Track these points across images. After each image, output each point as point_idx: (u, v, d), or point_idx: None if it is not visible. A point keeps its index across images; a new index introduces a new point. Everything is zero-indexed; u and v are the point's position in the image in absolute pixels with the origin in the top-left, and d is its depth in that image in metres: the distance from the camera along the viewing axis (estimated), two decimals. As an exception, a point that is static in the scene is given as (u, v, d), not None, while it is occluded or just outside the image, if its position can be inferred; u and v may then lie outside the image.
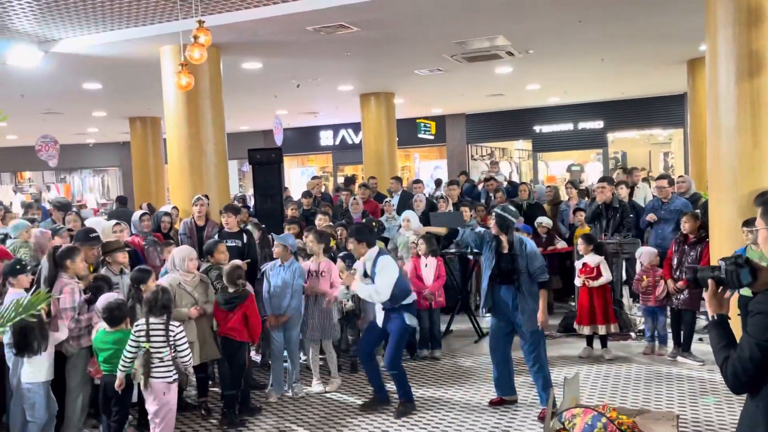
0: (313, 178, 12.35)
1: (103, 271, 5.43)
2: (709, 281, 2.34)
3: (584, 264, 6.62)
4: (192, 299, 5.25)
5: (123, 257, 5.55)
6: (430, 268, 6.81)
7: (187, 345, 4.49)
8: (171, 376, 4.38)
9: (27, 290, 4.67)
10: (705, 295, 2.38)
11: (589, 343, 6.69)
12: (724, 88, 6.03)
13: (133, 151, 16.09)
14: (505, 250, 5.12)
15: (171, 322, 4.44)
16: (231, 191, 11.76)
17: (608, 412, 3.34)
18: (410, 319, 5.26)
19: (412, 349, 6.94)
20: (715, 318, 2.32)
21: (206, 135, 8.41)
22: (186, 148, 8.39)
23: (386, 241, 7.87)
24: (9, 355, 4.60)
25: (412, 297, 5.38)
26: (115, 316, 4.49)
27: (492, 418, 5.16)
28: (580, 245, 6.72)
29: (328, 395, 5.88)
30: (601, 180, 8.23)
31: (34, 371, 4.51)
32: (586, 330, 6.57)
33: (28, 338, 4.32)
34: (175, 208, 8.17)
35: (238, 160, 20.36)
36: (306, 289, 5.89)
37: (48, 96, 12.10)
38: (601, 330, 6.49)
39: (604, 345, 6.59)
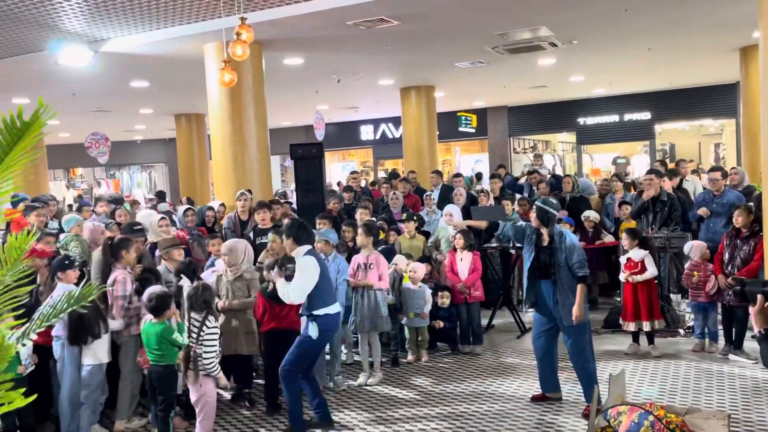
0: (352, 173, 12.39)
1: (160, 268, 5.57)
2: (759, 296, 2.25)
3: (629, 259, 6.47)
4: (231, 291, 5.44)
5: (179, 254, 5.67)
6: (465, 262, 6.77)
7: (214, 348, 4.47)
8: (206, 370, 4.45)
9: (75, 284, 4.84)
10: (751, 309, 2.28)
11: (635, 340, 6.53)
12: (779, 75, 5.79)
13: (179, 148, 16.46)
14: (545, 243, 5.03)
15: (208, 319, 4.50)
16: (273, 186, 11.91)
17: (656, 410, 3.26)
18: (313, 330, 4.78)
19: (453, 344, 6.92)
20: (763, 332, 2.23)
21: (249, 131, 8.53)
22: (229, 144, 8.53)
23: (427, 235, 7.84)
24: (56, 347, 4.80)
25: (334, 308, 4.91)
26: (158, 306, 4.61)
27: (535, 413, 5.10)
28: (625, 240, 6.56)
29: (369, 388, 5.91)
30: (649, 172, 7.99)
31: (94, 354, 4.80)
32: (630, 326, 6.42)
33: (86, 325, 4.65)
34: (222, 204, 8.32)
35: (280, 155, 20.60)
36: (352, 282, 5.94)
37: (98, 94, 12.47)
38: (646, 326, 6.33)
39: (651, 342, 6.43)
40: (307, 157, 9.29)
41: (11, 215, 5.93)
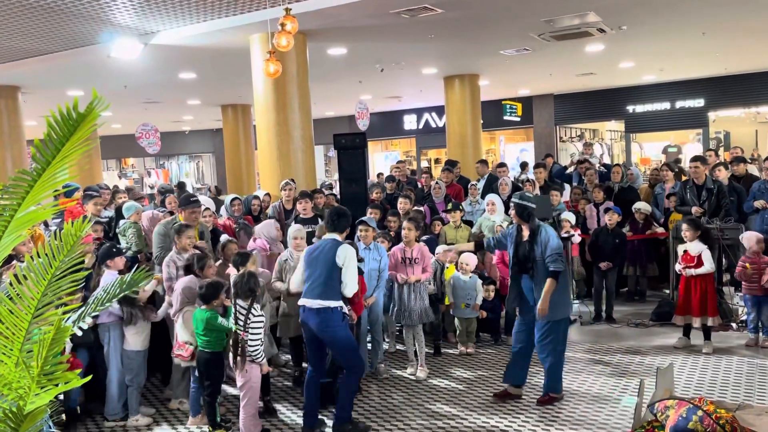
0: (398, 162, 12.39)
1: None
2: None
3: (686, 251, 6.24)
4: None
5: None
6: (512, 254, 6.70)
7: (259, 335, 4.54)
8: (252, 356, 4.53)
9: (121, 272, 5.02)
10: None
11: (686, 333, 6.35)
12: (844, 59, 5.51)
13: (225, 138, 16.75)
14: (525, 239, 4.98)
15: (253, 307, 4.57)
16: (317, 176, 12.02)
17: (705, 405, 3.17)
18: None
19: (496, 334, 6.89)
20: None
21: (293, 121, 8.62)
22: (274, 134, 8.64)
23: (471, 224, 7.79)
24: (102, 332, 5.03)
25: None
26: (207, 294, 4.72)
27: (567, 405, 5.03)
28: (686, 231, 6.27)
29: (410, 377, 5.93)
30: (694, 159, 7.73)
31: (135, 341, 5.06)
32: (679, 320, 6.25)
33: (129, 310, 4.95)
34: (267, 194, 8.45)
35: (324, 145, 20.76)
36: (400, 278, 5.97)
37: (148, 86, 12.80)
38: (695, 323, 6.13)
39: (707, 337, 6.21)
40: (350, 147, 9.33)
41: (66, 204, 6.16)
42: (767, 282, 5.98)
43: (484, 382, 5.72)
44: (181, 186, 12.69)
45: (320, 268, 4.63)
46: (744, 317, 6.64)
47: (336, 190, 11.59)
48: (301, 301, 4.71)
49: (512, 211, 5.06)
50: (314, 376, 4.76)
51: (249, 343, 4.52)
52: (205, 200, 7.84)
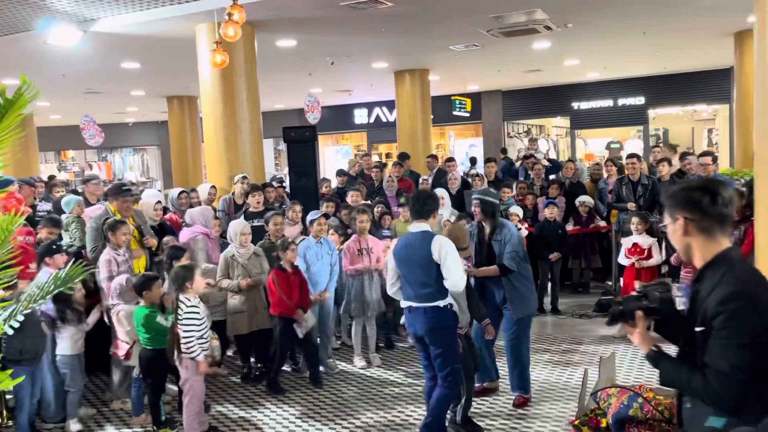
0: (364, 155, 12.31)
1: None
2: (638, 312, 2.14)
3: (635, 244, 6.42)
4: (244, 271, 5.53)
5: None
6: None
7: (191, 330, 4.31)
8: (185, 351, 4.37)
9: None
10: (636, 331, 2.16)
11: (627, 324, 6.54)
12: (773, 60, 5.77)
13: (171, 130, 16.33)
14: (488, 236, 4.89)
15: (180, 300, 4.36)
16: (266, 170, 11.86)
17: (645, 392, 3.28)
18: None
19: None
20: (654, 350, 2.15)
21: (241, 113, 8.46)
22: (221, 127, 8.46)
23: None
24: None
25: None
26: (138, 285, 4.64)
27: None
28: (638, 224, 6.44)
29: (362, 371, 5.93)
30: (630, 156, 8.05)
31: (65, 347, 4.80)
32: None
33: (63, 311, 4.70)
34: (213, 187, 8.27)
35: (274, 138, 20.49)
36: (362, 267, 5.94)
37: (88, 75, 12.33)
38: None
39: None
40: (300, 140, 9.23)
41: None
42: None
43: (433, 374, 5.76)
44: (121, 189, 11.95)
45: (416, 268, 4.12)
46: (682, 307, 6.89)
47: (287, 184, 11.46)
48: (405, 303, 4.28)
49: (476, 208, 4.94)
50: (433, 384, 4.31)
51: (182, 337, 4.35)
52: (153, 194, 7.63)
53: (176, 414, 4.95)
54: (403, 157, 10.77)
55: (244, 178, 7.74)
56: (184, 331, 4.32)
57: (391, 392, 5.38)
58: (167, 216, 6.99)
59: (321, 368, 5.84)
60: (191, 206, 7.68)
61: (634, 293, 2.33)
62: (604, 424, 3.35)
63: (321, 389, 5.50)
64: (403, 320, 4.53)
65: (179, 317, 4.33)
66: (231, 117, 8.42)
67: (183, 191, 8.07)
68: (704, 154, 7.84)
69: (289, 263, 5.46)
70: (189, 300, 4.36)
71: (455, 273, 4.04)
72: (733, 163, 13.09)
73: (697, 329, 2.05)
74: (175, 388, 5.06)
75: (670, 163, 8.40)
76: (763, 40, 5.89)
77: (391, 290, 4.39)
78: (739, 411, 1.99)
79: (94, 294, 5.25)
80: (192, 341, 4.32)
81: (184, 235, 6.07)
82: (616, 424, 3.24)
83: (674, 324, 2.19)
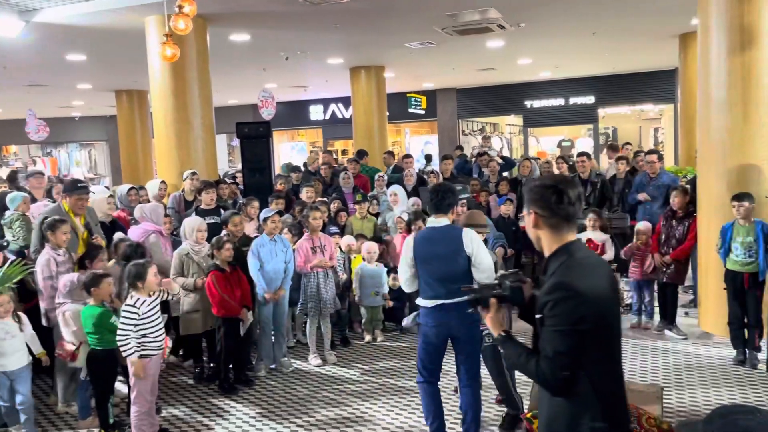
0: (325, 151, 12.18)
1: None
2: (491, 300, 2.28)
3: (589, 240, 6.55)
4: (200, 270, 5.45)
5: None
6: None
7: (126, 328, 4.19)
8: (122, 350, 4.26)
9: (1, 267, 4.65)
10: (486, 316, 2.31)
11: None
12: (715, 62, 6.00)
13: (120, 125, 15.90)
14: None
15: (126, 301, 4.29)
16: (220, 166, 11.63)
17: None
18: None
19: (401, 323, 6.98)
20: (503, 335, 2.28)
21: (193, 108, 8.28)
22: (172, 122, 8.26)
23: (377, 216, 7.84)
24: None
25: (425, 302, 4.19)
26: (87, 283, 4.50)
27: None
28: (591, 220, 6.56)
29: (317, 369, 5.90)
30: (580, 154, 8.27)
31: (8, 362, 4.49)
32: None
33: None
34: (163, 182, 8.08)
35: (227, 134, 20.16)
36: (315, 262, 5.89)
37: (31, 68, 11.86)
38: None
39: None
40: (253, 136, 9.11)
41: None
42: (649, 266, 6.43)
43: (389, 371, 5.78)
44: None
45: (444, 263, 3.97)
46: (629, 301, 7.11)
47: (241, 181, 11.28)
48: (435, 302, 4.00)
49: (462, 208, 4.94)
50: (437, 386, 4.21)
51: (117, 334, 4.25)
52: (102, 189, 7.42)
53: (125, 417, 4.82)
54: (361, 154, 10.74)
55: (194, 174, 7.57)
56: (119, 329, 4.23)
57: (346, 389, 5.37)
58: (116, 213, 6.79)
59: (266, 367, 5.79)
60: (140, 203, 7.50)
61: (490, 282, 2.49)
62: (554, 417, 3.41)
63: (250, 389, 5.45)
64: (407, 321, 4.38)
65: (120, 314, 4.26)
66: (182, 112, 8.24)
67: (132, 188, 7.86)
68: (650, 152, 8.08)
69: (225, 262, 5.38)
70: (132, 298, 4.28)
71: (488, 261, 4.00)
72: (677, 161, 13.54)
73: (537, 316, 2.20)
74: (125, 390, 4.93)
75: (627, 162, 8.65)
76: (706, 42, 6.12)
77: (412, 287, 4.16)
78: (563, 393, 2.14)
79: (33, 296, 5.07)
80: (124, 340, 4.20)
81: (135, 233, 5.90)
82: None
83: (530, 311, 2.33)
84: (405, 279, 4.15)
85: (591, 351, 2.11)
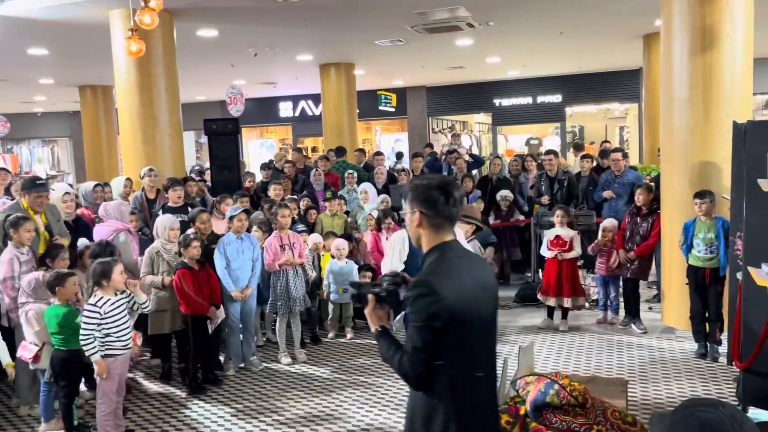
0: (295, 149, 12.09)
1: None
2: (369, 296, 2.37)
3: (557, 236, 6.64)
4: (170, 268, 5.38)
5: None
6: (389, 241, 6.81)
7: (87, 327, 4.12)
8: (92, 351, 4.17)
9: None
10: (366, 310, 2.41)
11: (550, 315, 6.78)
12: (677, 62, 6.13)
13: (84, 121, 15.54)
14: None
15: (89, 300, 4.24)
16: (187, 163, 11.47)
17: (561, 379, 3.41)
18: None
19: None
20: (379, 330, 2.37)
21: (160, 104, 8.15)
22: (138, 118, 8.12)
23: (348, 213, 7.82)
24: None
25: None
26: (50, 282, 4.41)
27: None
28: (560, 217, 6.65)
29: (286, 368, 5.87)
30: (547, 152, 8.41)
31: None
32: (551, 301, 6.62)
33: None
34: (128, 179, 7.93)
35: (195, 131, 19.89)
36: (284, 260, 5.85)
37: (-10, 61, 11.54)
38: (567, 303, 6.53)
39: (564, 316, 6.68)
40: (222, 133, 9.01)
41: None
42: (614, 262, 6.55)
43: (359, 368, 5.78)
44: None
45: None
46: (595, 297, 7.24)
47: (209, 177, 11.14)
48: None
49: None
50: None
51: (80, 334, 4.17)
52: (63, 187, 7.25)
53: (90, 419, 4.73)
54: (341, 151, 10.70)
55: (151, 170, 7.43)
56: (82, 328, 4.15)
57: (316, 387, 5.36)
58: (80, 211, 6.65)
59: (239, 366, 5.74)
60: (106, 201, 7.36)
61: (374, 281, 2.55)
62: (523, 411, 3.45)
63: (219, 388, 5.41)
64: (397, 323, 4.33)
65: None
66: (148, 108, 8.10)
67: (98, 184, 7.70)
68: (615, 150, 8.23)
69: (193, 260, 5.32)
70: (95, 297, 4.21)
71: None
72: (641, 159, 13.82)
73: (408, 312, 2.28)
74: (89, 392, 4.84)
75: (592, 160, 8.80)
76: (669, 43, 6.26)
77: (401, 265, 4.08)
78: (422, 388, 2.21)
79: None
80: (86, 340, 4.13)
81: (103, 232, 5.77)
82: (534, 411, 3.36)
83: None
84: (398, 257, 4.16)
85: (448, 349, 2.16)
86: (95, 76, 13.82)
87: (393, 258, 4.16)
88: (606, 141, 12.44)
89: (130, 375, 5.61)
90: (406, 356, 2.19)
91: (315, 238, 6.80)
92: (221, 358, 5.92)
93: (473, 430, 2.22)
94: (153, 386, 5.56)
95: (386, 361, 2.31)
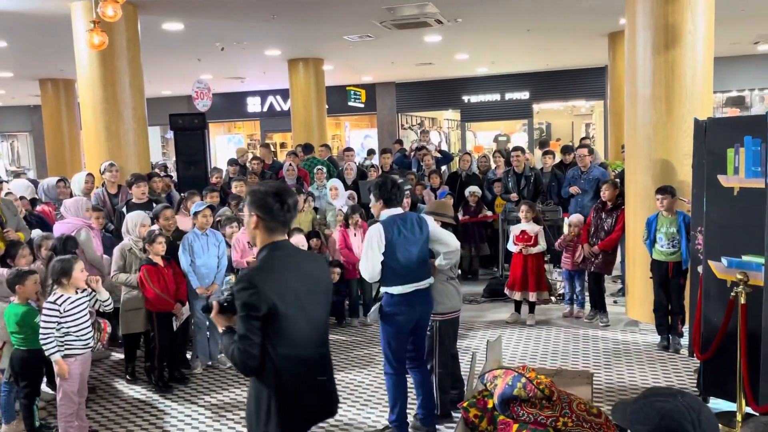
0: (262, 145, 11.94)
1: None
2: (214, 303, 2.58)
3: (522, 231, 6.70)
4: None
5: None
6: (358, 238, 6.80)
7: (46, 326, 4.02)
8: (52, 350, 4.07)
9: None
10: (212, 315, 2.61)
11: (517, 309, 6.86)
12: (641, 60, 6.25)
13: (45, 116, 15.15)
14: None
15: (48, 298, 4.15)
16: (154, 159, 11.29)
17: (528, 372, 3.45)
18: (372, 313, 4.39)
19: (341, 317, 6.98)
20: (225, 329, 2.56)
21: (123, 98, 7.98)
22: (101, 112, 7.94)
23: (317, 210, 7.78)
24: None
25: (400, 288, 4.12)
26: (10, 281, 4.30)
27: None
28: (525, 212, 6.71)
29: (255, 365, 5.82)
30: (515, 149, 8.50)
31: None
32: (517, 296, 6.69)
33: None
34: (90, 174, 7.75)
35: (161, 126, 19.55)
36: (251, 261, 5.80)
37: (-55, 53, 11.16)
38: (532, 297, 6.62)
39: (531, 310, 6.76)
40: (188, 128, 8.88)
41: None
42: (579, 256, 6.66)
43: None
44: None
45: (414, 248, 4.05)
46: (562, 291, 7.34)
47: (175, 173, 10.96)
48: (411, 287, 4.04)
49: (407, 199, 4.97)
50: (405, 376, 4.23)
51: (39, 333, 4.06)
52: (21, 183, 7.07)
53: (52, 420, 4.63)
54: (308, 148, 10.62)
55: (111, 165, 7.27)
56: (41, 327, 4.05)
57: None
58: (39, 208, 6.49)
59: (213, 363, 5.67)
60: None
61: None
62: (490, 405, 3.48)
63: (186, 386, 5.35)
64: (373, 315, 4.30)
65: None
66: (112, 102, 7.93)
67: (61, 180, 7.52)
68: (581, 146, 8.36)
69: (158, 256, 5.24)
70: (54, 295, 4.11)
71: (452, 238, 4.26)
72: (607, 155, 14.06)
73: None
74: (51, 392, 4.73)
75: (553, 156, 8.92)
76: (633, 41, 6.37)
77: (379, 276, 4.09)
78: (250, 372, 2.48)
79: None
80: (45, 339, 4.03)
81: (63, 229, 5.64)
82: (501, 404, 3.39)
83: None
84: (375, 268, 4.04)
85: (271, 336, 2.43)
86: (57, 70, 13.48)
87: (370, 260, 4.09)
88: (585, 138, 12.62)
89: (93, 374, 5.50)
90: (235, 344, 2.42)
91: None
92: (189, 356, 5.84)
93: (297, 408, 2.50)
94: (118, 385, 5.46)
95: (226, 354, 2.54)
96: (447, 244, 4.22)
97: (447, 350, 4.54)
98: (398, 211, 4.11)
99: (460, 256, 4.55)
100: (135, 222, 5.43)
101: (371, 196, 4.23)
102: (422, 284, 4.11)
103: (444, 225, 4.57)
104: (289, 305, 2.46)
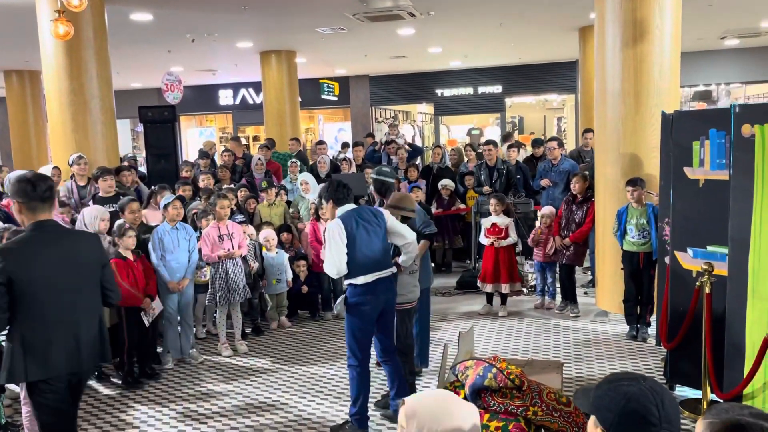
0: (232, 138, 11.80)
1: None
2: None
3: (493, 224, 6.74)
4: None
5: None
6: (329, 231, 6.78)
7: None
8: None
9: None
10: None
11: (489, 301, 6.92)
12: (610, 54, 6.32)
13: (10, 108, 14.79)
14: None
15: None
16: (123, 152, 11.07)
17: (498, 363, 3.48)
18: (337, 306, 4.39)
19: (314, 310, 6.97)
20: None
21: (91, 90, 7.81)
22: (68, 104, 7.76)
23: (290, 204, 7.74)
24: None
25: (362, 278, 4.15)
26: None
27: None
28: (495, 205, 6.76)
29: (227, 359, 5.78)
30: (487, 142, 8.54)
31: None
32: (488, 288, 6.75)
33: None
34: (56, 168, 7.59)
35: (131, 119, 19.22)
36: (223, 254, 5.75)
37: None
38: (504, 289, 6.67)
39: (504, 302, 6.82)
40: (158, 120, 8.75)
41: None
42: (550, 249, 6.74)
43: (301, 358, 5.75)
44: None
45: (375, 239, 4.12)
46: (533, 283, 7.42)
47: (144, 165, 10.79)
48: (374, 276, 4.07)
49: (371, 187, 5.02)
50: (368, 367, 4.25)
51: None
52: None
53: (19, 417, 4.53)
54: (270, 144, 10.54)
55: (80, 157, 7.13)
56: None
57: (257, 378, 5.30)
58: (4, 202, 6.33)
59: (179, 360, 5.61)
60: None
61: None
62: (462, 395, 3.51)
63: (157, 382, 5.30)
64: (338, 307, 4.28)
65: None
66: (79, 94, 7.76)
67: (55, 167, 7.35)
68: (551, 139, 8.45)
69: (128, 250, 5.17)
70: None
71: (408, 231, 4.35)
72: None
73: None
74: (17, 389, 4.62)
75: (518, 150, 9.00)
76: (602, 35, 6.44)
77: (345, 270, 4.09)
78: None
79: None
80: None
81: None
82: (472, 394, 3.41)
83: None
84: (342, 263, 4.04)
85: (17, 304, 2.88)
86: (21, 61, 13.16)
87: (336, 255, 4.05)
88: (554, 138, 12.73)
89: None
90: None
91: (250, 229, 6.70)
92: (159, 351, 5.77)
93: (39, 368, 2.92)
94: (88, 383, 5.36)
95: None
96: (403, 236, 4.30)
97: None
98: (351, 206, 4.18)
99: (433, 248, 4.61)
100: (93, 216, 5.27)
101: (321, 201, 4.36)
102: (385, 273, 4.17)
103: (404, 219, 4.60)
104: (39, 278, 2.91)
